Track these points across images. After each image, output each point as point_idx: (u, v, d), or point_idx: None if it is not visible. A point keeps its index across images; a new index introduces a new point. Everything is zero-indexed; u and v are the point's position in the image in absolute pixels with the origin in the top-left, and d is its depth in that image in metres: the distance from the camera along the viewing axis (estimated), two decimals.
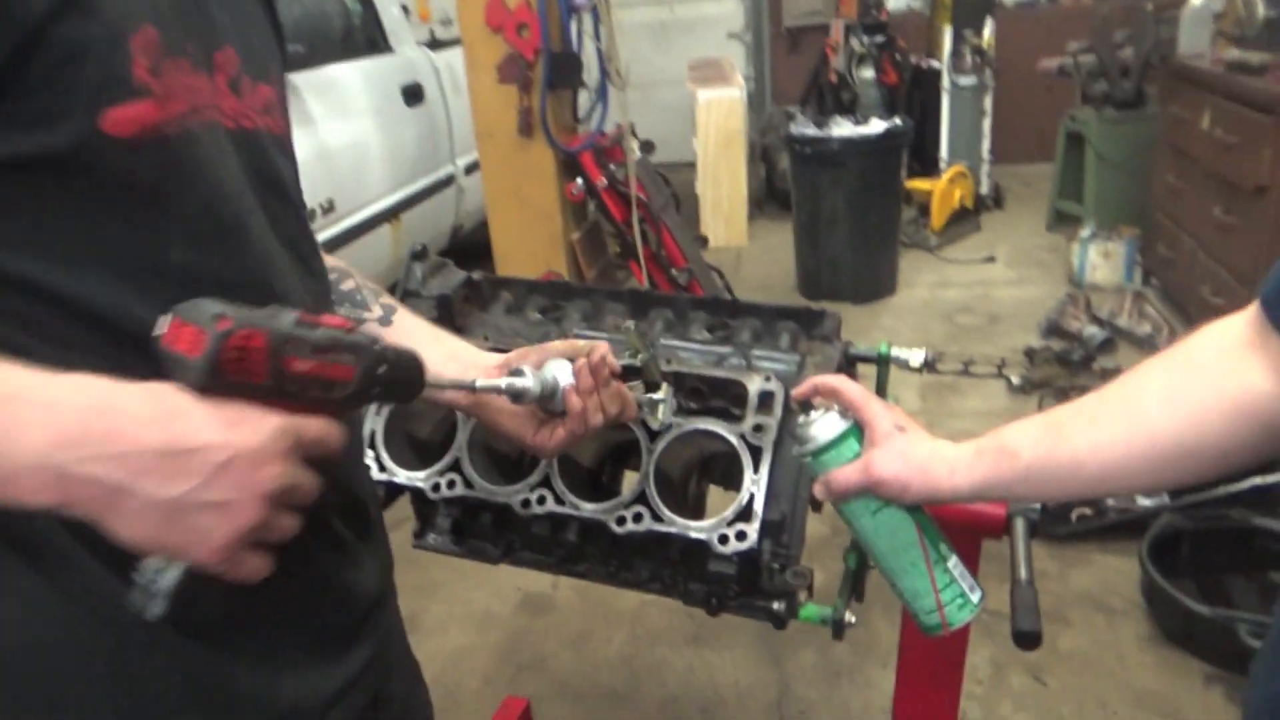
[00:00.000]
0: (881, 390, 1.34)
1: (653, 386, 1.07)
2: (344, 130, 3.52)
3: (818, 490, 0.88)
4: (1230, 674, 2.02)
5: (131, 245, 0.64)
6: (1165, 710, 1.98)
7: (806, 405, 0.91)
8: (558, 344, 0.97)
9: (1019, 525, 1.16)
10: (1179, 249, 3.89)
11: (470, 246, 4.81)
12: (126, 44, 0.60)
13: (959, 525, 1.21)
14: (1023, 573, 1.06)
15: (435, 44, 4.65)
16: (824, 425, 0.87)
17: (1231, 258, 3.40)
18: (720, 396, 1.20)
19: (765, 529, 1.12)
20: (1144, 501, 2.43)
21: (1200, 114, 3.61)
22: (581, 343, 0.96)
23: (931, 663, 1.40)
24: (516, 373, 0.90)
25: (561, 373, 0.92)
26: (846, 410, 0.88)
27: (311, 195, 3.23)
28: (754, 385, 1.17)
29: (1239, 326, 0.74)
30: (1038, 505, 1.18)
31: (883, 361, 1.29)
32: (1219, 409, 0.72)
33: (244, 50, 0.74)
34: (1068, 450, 0.78)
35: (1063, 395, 3.22)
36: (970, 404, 3.36)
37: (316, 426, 0.63)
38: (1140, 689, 2.03)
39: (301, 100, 3.26)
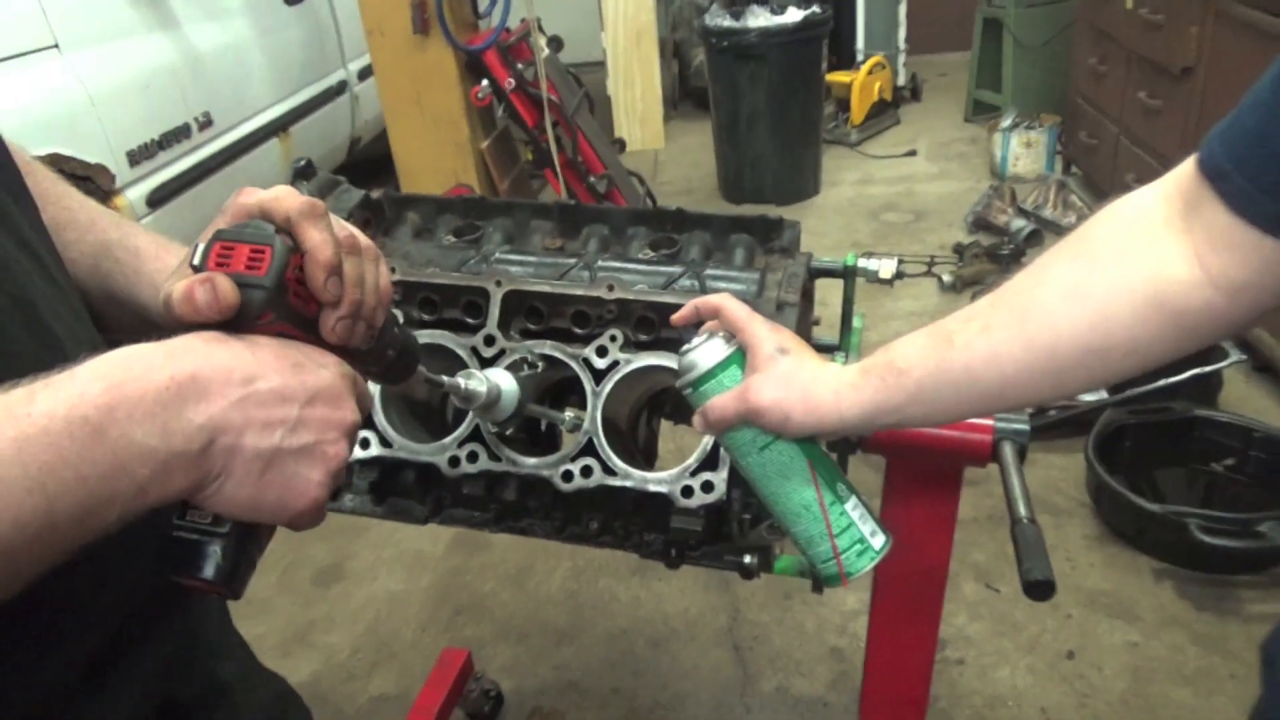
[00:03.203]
0: (849, 304, 1.21)
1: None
2: (216, 33, 3.15)
3: (696, 422, 0.78)
4: (1179, 569, 2.02)
5: None
6: (1117, 609, 1.96)
7: (689, 332, 0.82)
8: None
9: (1007, 452, 1.05)
10: (1102, 135, 3.84)
11: (371, 162, 4.49)
12: None
13: (939, 452, 1.10)
14: (1021, 510, 0.95)
15: None
16: (704, 352, 0.77)
17: (1156, 142, 3.34)
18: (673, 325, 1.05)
19: (735, 476, 0.99)
20: (1085, 397, 2.39)
21: None
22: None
23: (911, 592, 1.31)
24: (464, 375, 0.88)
25: (504, 379, 0.93)
26: (731, 335, 0.78)
27: (185, 107, 2.90)
28: None
29: (1150, 205, 0.63)
30: (1026, 426, 1.07)
31: (849, 274, 1.15)
32: (1129, 304, 0.62)
33: None
34: (960, 361, 0.68)
35: None
36: (904, 305, 3.28)
37: (351, 369, 0.57)
38: (1091, 589, 2.02)
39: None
